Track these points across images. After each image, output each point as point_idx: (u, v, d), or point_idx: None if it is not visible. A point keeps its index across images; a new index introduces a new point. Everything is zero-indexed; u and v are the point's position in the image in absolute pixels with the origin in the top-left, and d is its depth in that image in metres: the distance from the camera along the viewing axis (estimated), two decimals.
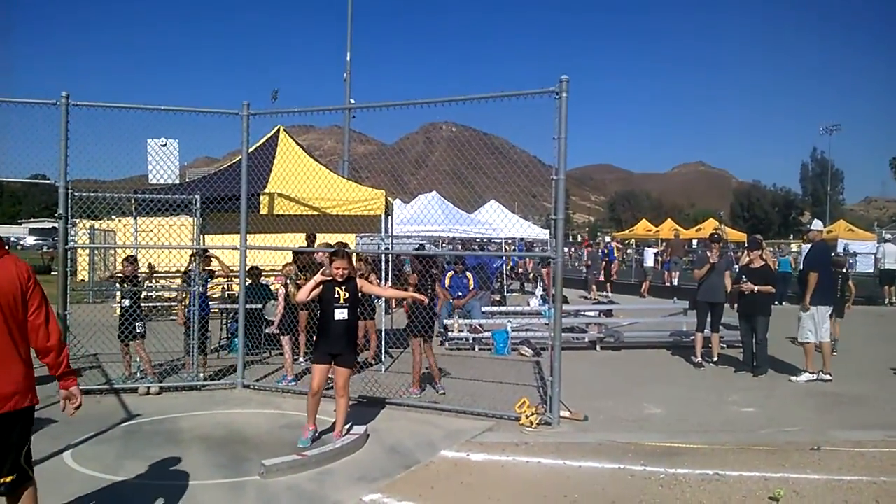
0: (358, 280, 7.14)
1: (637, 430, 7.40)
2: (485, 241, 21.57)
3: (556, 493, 5.53)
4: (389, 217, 12.63)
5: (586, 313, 14.93)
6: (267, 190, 10.66)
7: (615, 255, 31.09)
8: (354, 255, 10.46)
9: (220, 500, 5.27)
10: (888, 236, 27.24)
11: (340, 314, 6.85)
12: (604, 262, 28.40)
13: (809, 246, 11.06)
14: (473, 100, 7.71)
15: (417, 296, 7.85)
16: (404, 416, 7.88)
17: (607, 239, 42.45)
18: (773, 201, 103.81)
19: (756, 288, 10.42)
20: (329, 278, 6.87)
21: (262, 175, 10.71)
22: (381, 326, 10.57)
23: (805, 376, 9.92)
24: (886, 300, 21.62)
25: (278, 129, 12.53)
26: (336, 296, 6.86)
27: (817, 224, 10.99)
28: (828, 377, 9.82)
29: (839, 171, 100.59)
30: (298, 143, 12.87)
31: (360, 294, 7.22)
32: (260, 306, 9.57)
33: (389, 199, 12.09)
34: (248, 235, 9.37)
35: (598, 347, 12.82)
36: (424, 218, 16.75)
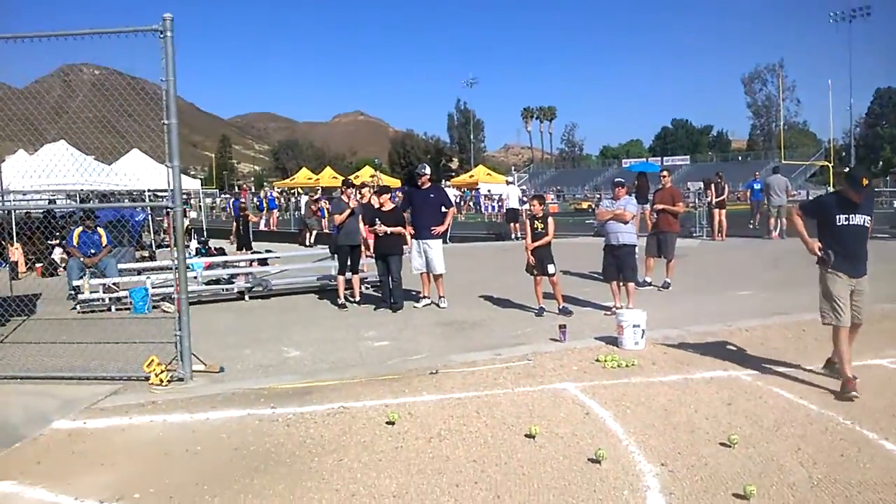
0: None
1: (273, 375, 7.28)
2: (131, 193, 19.13)
3: (178, 448, 5.25)
4: None
5: (237, 264, 14.40)
6: None
7: (275, 203, 34.07)
8: None
9: None
10: (510, 179, 34.37)
11: None
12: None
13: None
14: (69, 35, 6.76)
15: None
16: (15, 389, 6.94)
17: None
18: (426, 149, 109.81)
19: (390, 230, 10.73)
20: None
21: None
22: None
23: (424, 301, 11.05)
24: (513, 235, 22.97)
25: None
26: None
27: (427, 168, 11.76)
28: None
29: (480, 121, 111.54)
30: None
31: None
32: None
33: None
34: None
35: (246, 297, 12.39)
36: (51, 171, 14.86)
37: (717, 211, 20.10)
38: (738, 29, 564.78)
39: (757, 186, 21.91)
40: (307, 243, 23.39)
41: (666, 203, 12.02)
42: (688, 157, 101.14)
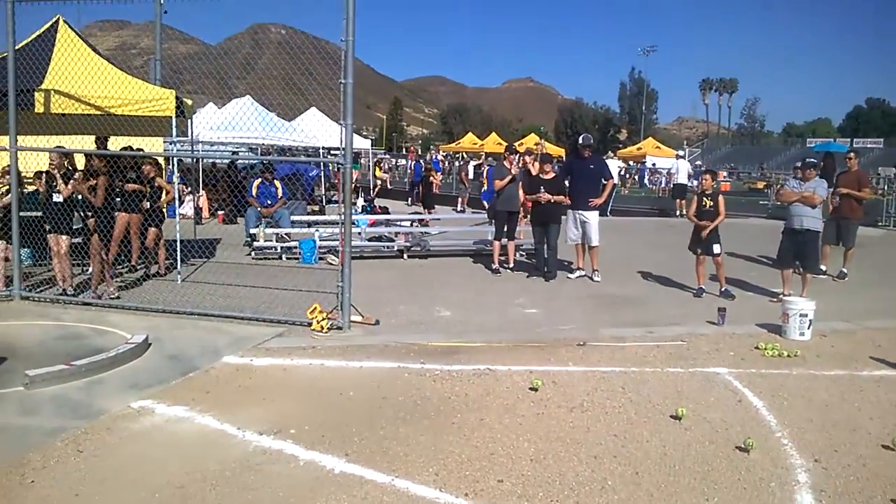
0: None
1: (424, 332, 7.54)
2: (307, 149, 19.88)
3: (332, 391, 5.63)
4: (189, 120, 10.98)
5: (400, 223, 15.10)
6: (44, 86, 9.33)
7: (440, 166, 32.93)
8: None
9: None
10: (680, 153, 30.15)
11: None
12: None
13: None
14: None
15: None
16: (193, 324, 7.63)
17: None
18: (594, 118, 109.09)
19: (552, 198, 10.66)
20: None
21: (37, 70, 9.42)
22: (176, 236, 9.77)
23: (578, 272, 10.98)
24: (677, 212, 22.01)
25: (57, 20, 10.59)
26: None
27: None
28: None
29: (654, 92, 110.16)
30: (80, 36, 10.72)
31: None
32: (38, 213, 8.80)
33: (187, 101, 10.13)
34: (28, 137, 8.98)
35: (405, 256, 12.95)
36: (236, 124, 15.30)
37: None
38: None
39: None
40: (458, 208, 23.91)
41: (851, 187, 11.27)
42: (881, 140, 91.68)
